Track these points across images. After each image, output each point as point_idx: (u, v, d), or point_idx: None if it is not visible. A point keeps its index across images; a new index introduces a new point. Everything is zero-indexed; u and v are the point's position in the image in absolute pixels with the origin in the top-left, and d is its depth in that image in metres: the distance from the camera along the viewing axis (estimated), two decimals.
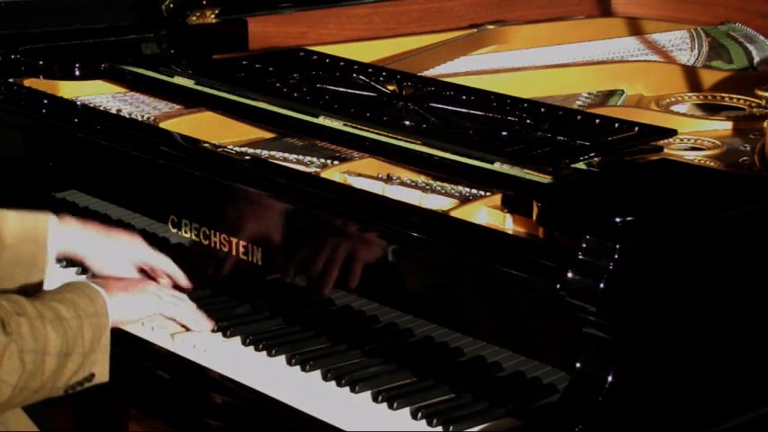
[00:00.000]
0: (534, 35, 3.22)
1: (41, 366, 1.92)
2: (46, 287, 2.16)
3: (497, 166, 2.23)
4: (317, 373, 2.09)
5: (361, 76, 2.72)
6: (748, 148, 2.47)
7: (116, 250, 2.27)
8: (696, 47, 3.23)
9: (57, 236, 2.20)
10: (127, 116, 2.67)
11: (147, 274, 2.30)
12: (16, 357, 1.88)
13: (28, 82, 2.84)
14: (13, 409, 2.04)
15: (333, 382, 2.07)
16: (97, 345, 2.01)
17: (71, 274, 2.47)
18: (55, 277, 2.23)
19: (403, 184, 2.30)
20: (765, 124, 2.41)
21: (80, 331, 1.98)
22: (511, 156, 2.24)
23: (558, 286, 1.87)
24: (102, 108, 2.72)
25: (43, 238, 2.18)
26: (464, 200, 2.21)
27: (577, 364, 1.89)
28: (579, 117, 2.49)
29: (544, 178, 2.17)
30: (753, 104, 2.76)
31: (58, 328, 1.95)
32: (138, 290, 2.18)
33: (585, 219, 1.94)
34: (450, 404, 1.99)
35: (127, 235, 2.31)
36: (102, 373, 2.03)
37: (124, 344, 2.27)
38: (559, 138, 2.33)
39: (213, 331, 2.24)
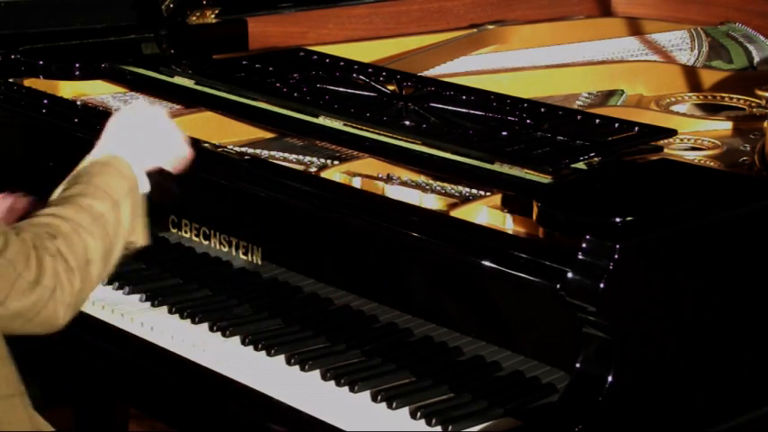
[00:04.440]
0: (534, 35, 3.21)
1: (88, 277, 1.93)
2: None
3: (497, 166, 2.23)
4: (317, 373, 2.09)
5: (361, 76, 2.72)
6: (748, 148, 2.48)
7: None
8: (696, 47, 3.23)
9: None
10: None
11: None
12: (65, 278, 1.89)
13: (28, 82, 2.84)
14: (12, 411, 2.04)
15: (332, 382, 2.07)
16: (135, 218, 2.02)
17: None
18: None
19: (403, 184, 2.30)
20: (765, 124, 2.41)
21: (119, 219, 1.98)
22: (511, 156, 2.24)
23: (558, 286, 1.87)
24: (102, 108, 2.72)
25: None
26: (464, 200, 2.21)
27: (577, 364, 1.89)
28: (579, 117, 2.49)
29: (544, 178, 2.17)
30: (753, 104, 2.76)
31: (95, 232, 1.94)
32: (161, 128, 2.13)
33: (585, 219, 1.94)
34: (450, 404, 1.99)
35: None
36: (140, 238, 2.04)
37: (124, 344, 2.27)
38: (559, 138, 2.33)
39: (212, 330, 2.24)
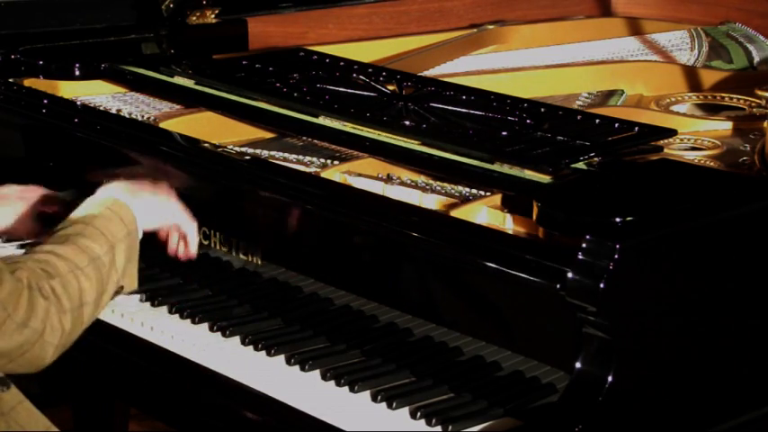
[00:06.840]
0: (534, 35, 3.22)
1: (80, 318, 1.94)
2: None
3: (497, 166, 2.23)
4: (316, 373, 2.09)
5: (361, 76, 2.72)
6: (748, 148, 2.47)
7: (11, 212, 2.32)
8: (696, 47, 3.23)
9: None
10: (127, 116, 2.67)
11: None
12: (56, 320, 1.90)
13: (28, 82, 2.83)
14: (27, 409, 2.04)
15: (332, 382, 2.07)
16: (128, 263, 2.03)
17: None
18: None
19: (403, 184, 2.30)
20: (765, 124, 2.41)
21: (113, 262, 2.00)
22: (511, 156, 2.24)
23: (558, 286, 1.87)
24: (102, 108, 2.72)
25: None
26: (464, 200, 2.21)
27: (577, 364, 1.89)
28: (579, 117, 2.49)
29: (544, 178, 2.17)
30: (753, 104, 2.76)
31: (90, 274, 1.96)
32: (165, 195, 2.17)
33: (585, 219, 1.94)
34: (449, 404, 1.99)
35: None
36: (131, 284, 2.06)
37: (124, 344, 2.27)
38: (559, 138, 2.33)
39: (212, 330, 2.24)
